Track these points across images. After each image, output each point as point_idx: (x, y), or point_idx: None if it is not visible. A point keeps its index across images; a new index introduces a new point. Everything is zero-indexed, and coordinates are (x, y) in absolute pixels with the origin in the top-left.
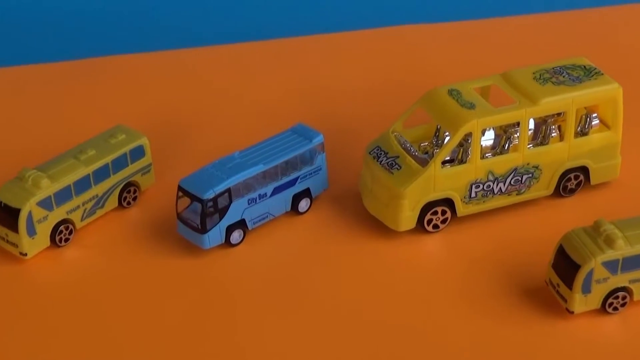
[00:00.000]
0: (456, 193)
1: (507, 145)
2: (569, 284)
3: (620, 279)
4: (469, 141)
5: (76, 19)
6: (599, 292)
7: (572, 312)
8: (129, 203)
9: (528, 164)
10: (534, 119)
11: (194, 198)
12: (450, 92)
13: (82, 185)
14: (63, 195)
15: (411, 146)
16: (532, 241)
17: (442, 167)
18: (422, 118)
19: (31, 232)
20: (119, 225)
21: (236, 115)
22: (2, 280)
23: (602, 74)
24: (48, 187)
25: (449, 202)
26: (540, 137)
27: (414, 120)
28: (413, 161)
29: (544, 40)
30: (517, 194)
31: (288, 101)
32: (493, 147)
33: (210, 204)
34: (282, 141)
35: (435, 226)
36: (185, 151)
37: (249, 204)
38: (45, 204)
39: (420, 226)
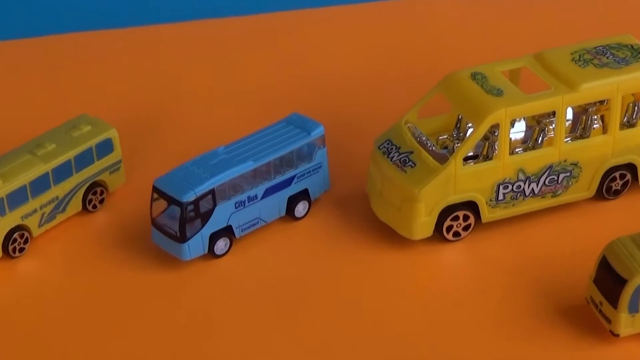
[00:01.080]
0: (481, 195)
1: (540, 138)
2: (614, 302)
3: None
4: (496, 134)
5: None
6: None
7: (617, 335)
8: (94, 206)
9: (565, 161)
10: (573, 108)
11: (171, 201)
12: (474, 76)
13: (40, 185)
14: (17, 198)
15: (428, 140)
16: (570, 252)
17: (464, 165)
18: (441, 106)
19: None
20: (83, 233)
21: (221, 103)
22: None
23: None
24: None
25: (472, 206)
26: (579, 129)
27: (430, 109)
28: (430, 157)
29: (584, 14)
30: (552, 196)
31: (281, 86)
32: (524, 140)
33: (191, 207)
34: (275, 134)
35: (456, 234)
36: (161, 145)
37: (236, 208)
38: None
39: (439, 234)
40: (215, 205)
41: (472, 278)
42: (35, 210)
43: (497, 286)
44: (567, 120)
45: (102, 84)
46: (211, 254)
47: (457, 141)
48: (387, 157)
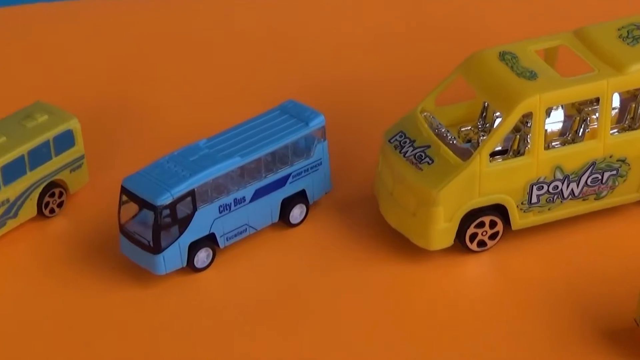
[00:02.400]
0: (511, 197)
1: (581, 130)
2: None
3: None
4: (529, 125)
5: None
6: None
7: None
8: (52, 211)
9: (611, 157)
10: (620, 94)
11: (143, 204)
12: (503, 56)
13: None
14: None
15: (448, 131)
16: (615, 265)
17: (490, 161)
18: (463, 92)
19: None
20: (39, 243)
21: (202, 87)
22: None
23: None
24: None
25: (500, 210)
26: (628, 119)
27: (451, 95)
28: (450, 152)
29: None
30: (595, 199)
31: (274, 68)
32: (562, 133)
33: (166, 212)
34: (266, 124)
35: (482, 243)
36: (130, 138)
37: (220, 213)
38: None
39: (461, 243)
40: (195, 209)
41: (499, 296)
42: None
43: (529, 306)
44: (614, 109)
45: (60, 65)
46: (190, 267)
47: (482, 133)
48: (400, 152)
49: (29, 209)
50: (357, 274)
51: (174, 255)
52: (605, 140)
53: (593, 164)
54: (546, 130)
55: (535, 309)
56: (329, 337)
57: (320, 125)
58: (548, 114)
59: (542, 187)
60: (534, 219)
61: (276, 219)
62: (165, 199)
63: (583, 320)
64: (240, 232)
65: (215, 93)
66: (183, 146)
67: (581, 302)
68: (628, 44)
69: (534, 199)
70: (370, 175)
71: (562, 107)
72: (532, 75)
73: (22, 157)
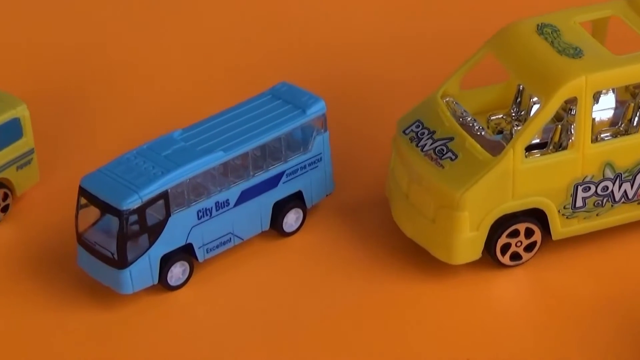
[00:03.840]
0: (551, 200)
1: (636, 119)
2: None
3: None
4: (573, 112)
5: None
6: None
7: None
8: None
9: None
10: None
11: (105, 208)
12: (542, 29)
13: None
14: None
15: (475, 121)
16: None
17: (526, 157)
18: (493, 73)
19: None
20: None
21: (177, 66)
22: None
23: None
24: None
25: (538, 216)
26: None
27: (478, 77)
28: (478, 146)
29: None
30: None
31: (264, 46)
32: (613, 122)
33: (134, 218)
34: (255, 111)
35: (516, 256)
36: (91, 128)
37: (199, 219)
38: None
39: (491, 256)
40: (168, 214)
41: (537, 320)
42: None
43: (573, 330)
44: None
45: (3, 40)
46: (163, 284)
47: (516, 123)
48: (417, 145)
49: None
50: (364, 295)
51: (143, 270)
52: None
53: None
54: (594, 119)
55: (579, 335)
56: None
57: (321, 112)
58: (596, 99)
59: (589, 188)
60: (578, 226)
61: (267, 226)
62: (132, 203)
63: (635, 345)
64: (224, 243)
65: (194, 74)
66: (154, 138)
67: (635, 326)
68: None
69: (579, 203)
70: (381, 174)
71: (613, 91)
72: (576, 53)
73: None
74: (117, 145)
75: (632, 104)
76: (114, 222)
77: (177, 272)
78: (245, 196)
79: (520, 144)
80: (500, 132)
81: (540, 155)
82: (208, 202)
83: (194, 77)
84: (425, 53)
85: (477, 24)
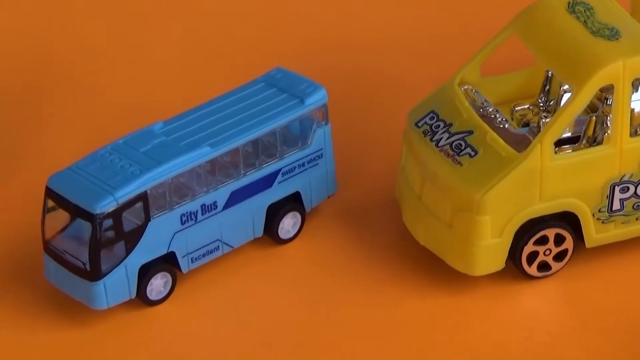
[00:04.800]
0: (584, 203)
1: None
2: None
3: None
4: (609, 102)
5: None
6: None
7: None
8: None
9: None
10: None
11: (76, 212)
12: (573, 7)
13: None
14: None
15: (497, 111)
16: None
17: (556, 153)
18: (518, 58)
19: None
20: None
21: (158, 51)
22: None
23: None
24: None
25: (569, 221)
26: None
27: (500, 62)
28: (501, 141)
29: None
30: None
31: (259, 31)
32: None
33: (109, 223)
34: (246, 101)
35: (544, 266)
36: (59, 121)
37: (183, 224)
38: None
39: (516, 266)
40: (148, 219)
41: (568, 336)
42: None
43: (607, 349)
44: None
45: None
46: (142, 298)
47: (544, 114)
48: (431, 140)
49: None
50: (370, 310)
51: (118, 282)
52: None
53: None
54: (633, 110)
55: (614, 353)
56: None
57: (321, 102)
58: (636, 87)
59: (627, 188)
60: (615, 232)
61: (260, 232)
62: (106, 205)
63: None
64: (211, 251)
65: (177, 60)
66: (131, 132)
67: None
68: None
69: (616, 205)
70: (390, 173)
71: None
72: (613, 34)
73: None
74: (89, 140)
75: None
76: (85, 227)
77: (158, 284)
78: (236, 198)
79: (548, 138)
80: (526, 124)
81: (572, 151)
82: (193, 205)
83: (178, 62)
84: (435, 44)
85: (492, 13)
